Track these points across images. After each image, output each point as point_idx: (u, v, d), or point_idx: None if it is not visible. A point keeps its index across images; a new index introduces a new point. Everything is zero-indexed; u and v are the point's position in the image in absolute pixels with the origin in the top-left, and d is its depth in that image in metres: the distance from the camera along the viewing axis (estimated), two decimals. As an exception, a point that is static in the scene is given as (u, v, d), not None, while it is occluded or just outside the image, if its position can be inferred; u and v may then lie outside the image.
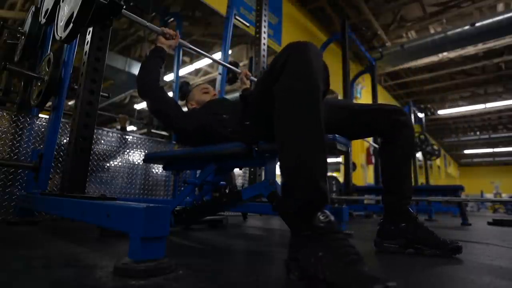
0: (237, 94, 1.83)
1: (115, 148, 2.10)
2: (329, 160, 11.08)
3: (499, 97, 8.87)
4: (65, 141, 1.81)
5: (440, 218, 3.94)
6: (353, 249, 0.57)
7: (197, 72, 7.23)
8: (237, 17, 2.63)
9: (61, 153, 1.79)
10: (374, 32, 5.79)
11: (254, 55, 2.34)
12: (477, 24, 5.03)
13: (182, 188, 2.28)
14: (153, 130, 3.92)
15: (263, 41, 2.28)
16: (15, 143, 1.61)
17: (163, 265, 0.62)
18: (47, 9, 1.29)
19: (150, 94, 1.25)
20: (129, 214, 0.65)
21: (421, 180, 6.16)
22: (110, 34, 1.29)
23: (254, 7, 2.45)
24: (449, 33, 5.34)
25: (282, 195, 0.68)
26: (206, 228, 1.65)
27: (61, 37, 1.07)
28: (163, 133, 3.73)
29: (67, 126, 1.80)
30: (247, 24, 2.87)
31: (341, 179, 4.26)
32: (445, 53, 6.30)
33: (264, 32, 2.31)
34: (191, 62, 6.38)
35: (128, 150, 2.18)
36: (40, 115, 1.74)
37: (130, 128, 7.94)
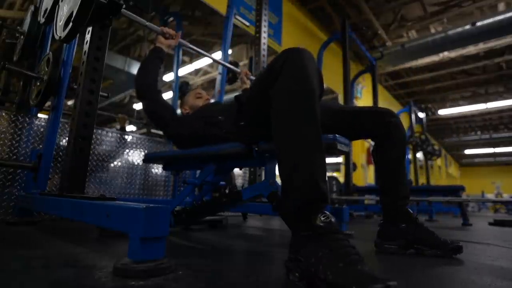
0: (236, 94, 1.83)
1: (114, 148, 2.10)
2: (330, 160, 11.08)
3: (500, 97, 8.86)
4: (64, 141, 1.80)
5: (441, 218, 3.93)
6: (354, 249, 0.57)
7: (197, 72, 7.23)
8: (237, 16, 2.63)
9: (60, 153, 1.78)
10: (374, 31, 5.79)
11: (254, 54, 2.33)
12: (478, 24, 5.02)
13: (182, 188, 2.28)
14: (152, 130, 3.92)
15: (263, 40, 2.28)
16: (14, 143, 1.61)
17: (162, 266, 0.62)
18: (46, 9, 1.29)
19: (147, 96, 1.27)
20: (129, 214, 0.65)
21: (422, 180, 6.15)
22: (109, 34, 1.28)
23: (254, 6, 2.45)
24: (450, 32, 5.33)
25: (282, 196, 0.69)
26: (206, 228, 1.64)
27: (60, 36, 1.07)
28: (162, 133, 3.72)
29: (67, 126, 1.79)
30: (247, 24, 2.87)
31: (341, 179, 4.26)
32: (446, 53, 6.29)
33: (264, 32, 2.30)
34: (191, 61, 6.38)
35: (127, 150, 2.17)
36: (39, 115, 1.74)
37: (129, 128, 7.94)
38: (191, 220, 1.36)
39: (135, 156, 2.21)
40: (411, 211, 1.05)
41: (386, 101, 7.66)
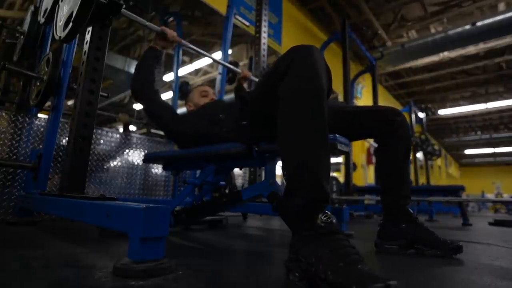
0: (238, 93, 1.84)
1: (114, 148, 2.10)
2: (330, 160, 11.05)
3: (500, 97, 8.86)
4: (64, 141, 1.80)
5: (441, 218, 3.93)
6: (354, 249, 0.57)
7: (197, 72, 7.23)
8: (237, 16, 2.63)
9: (60, 153, 1.78)
10: (374, 31, 5.79)
11: (254, 54, 2.33)
12: (478, 24, 5.02)
13: (182, 188, 2.28)
14: (152, 130, 3.92)
15: (263, 40, 2.27)
16: (14, 143, 1.61)
17: (162, 266, 0.62)
18: (46, 9, 1.29)
19: (143, 96, 1.26)
20: (129, 214, 0.65)
21: (422, 180, 6.15)
22: (109, 34, 1.28)
23: (254, 6, 2.45)
24: (450, 32, 5.33)
25: (284, 195, 0.68)
26: (206, 228, 1.64)
27: (60, 36, 1.07)
28: (163, 133, 3.72)
29: (66, 126, 1.79)
30: (247, 24, 2.87)
31: (341, 179, 4.26)
32: (446, 53, 6.29)
33: (264, 32, 2.30)
34: (191, 61, 6.38)
35: (127, 150, 2.17)
36: (39, 115, 1.73)
37: (129, 128, 7.93)
38: (191, 220, 1.36)
39: (135, 156, 2.21)
40: (411, 211, 1.05)
41: (386, 101, 7.66)
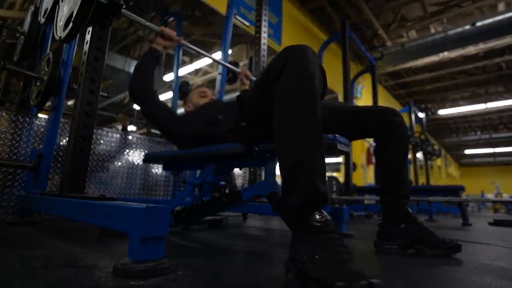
0: (236, 95, 1.84)
1: (114, 148, 2.10)
2: (330, 160, 11.07)
3: (500, 97, 8.86)
4: (64, 141, 1.80)
5: (440, 218, 3.93)
6: (346, 248, 0.58)
7: (197, 72, 7.23)
8: (237, 16, 2.63)
9: (61, 153, 1.78)
10: (374, 31, 5.79)
11: (254, 54, 2.33)
12: (478, 24, 5.02)
13: (182, 188, 2.28)
14: (152, 130, 3.92)
15: (263, 40, 2.28)
16: (14, 143, 1.61)
17: (162, 266, 0.62)
18: (47, 9, 1.29)
19: (141, 96, 1.26)
20: (129, 214, 0.65)
21: (422, 180, 6.15)
22: (109, 34, 1.28)
23: (254, 6, 2.45)
24: (450, 32, 5.34)
25: (281, 195, 0.69)
26: (206, 228, 1.64)
27: (60, 36, 1.07)
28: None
29: (67, 126, 1.79)
30: (247, 24, 2.87)
31: (341, 179, 4.26)
32: (445, 53, 6.29)
33: (264, 32, 2.30)
34: (191, 61, 6.38)
35: (127, 150, 2.17)
36: (40, 115, 1.73)
37: (129, 128, 7.93)
38: (191, 220, 1.36)
39: (135, 156, 2.21)
40: (411, 211, 1.05)
41: (386, 101, 7.66)
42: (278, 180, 0.80)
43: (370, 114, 1.11)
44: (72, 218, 0.96)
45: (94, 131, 1.25)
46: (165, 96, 6.98)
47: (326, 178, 0.68)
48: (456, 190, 2.94)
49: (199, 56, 5.66)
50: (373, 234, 1.12)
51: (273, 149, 0.96)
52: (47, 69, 1.46)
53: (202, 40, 5.55)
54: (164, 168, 1.45)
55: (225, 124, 1.13)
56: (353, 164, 3.93)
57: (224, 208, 1.29)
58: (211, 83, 7.43)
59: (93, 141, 1.93)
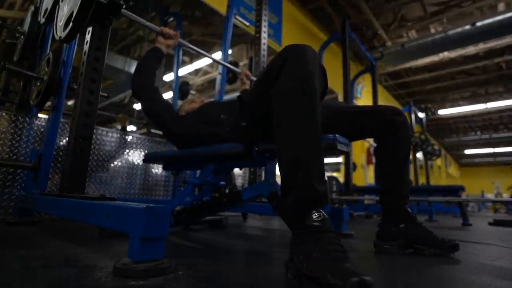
0: (236, 95, 1.84)
1: (114, 148, 2.10)
2: (330, 160, 11.07)
3: (500, 97, 8.86)
4: (64, 141, 1.80)
5: (440, 218, 3.93)
6: (341, 247, 0.58)
7: (197, 72, 7.23)
8: (237, 16, 2.63)
9: (61, 153, 1.78)
10: (374, 31, 5.79)
11: (254, 54, 2.33)
12: (478, 24, 5.03)
13: (182, 188, 2.28)
14: (152, 130, 3.92)
15: (263, 40, 2.28)
16: (14, 143, 1.61)
17: (162, 266, 0.62)
18: (47, 9, 1.29)
19: (143, 94, 1.25)
20: (129, 214, 0.65)
21: (422, 180, 6.15)
22: (109, 34, 1.28)
23: (254, 6, 2.45)
24: (450, 32, 5.34)
25: (281, 195, 0.70)
26: (206, 228, 1.64)
27: (60, 36, 1.07)
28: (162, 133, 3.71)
29: (67, 126, 1.79)
30: (247, 24, 2.87)
31: (341, 179, 4.26)
32: (445, 53, 6.30)
33: (264, 32, 2.30)
34: (191, 61, 6.38)
35: (127, 150, 2.17)
36: (40, 115, 1.73)
37: (129, 128, 7.93)
38: (191, 220, 1.36)
39: (135, 156, 2.21)
40: (410, 211, 1.05)
41: (386, 101, 7.66)
42: (278, 180, 0.80)
43: (371, 114, 1.10)
44: (72, 218, 0.96)
45: (94, 131, 1.25)
46: (165, 96, 6.97)
47: (326, 178, 0.68)
48: (456, 190, 2.94)
49: (199, 56, 5.66)
50: (373, 234, 1.11)
51: (273, 149, 0.96)
52: (47, 69, 1.46)
53: (202, 40, 5.55)
54: (164, 168, 1.45)
55: (227, 123, 1.12)
56: (353, 164, 3.93)
57: (224, 208, 1.29)
58: (211, 83, 7.44)
59: (93, 141, 1.93)
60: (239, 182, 2.86)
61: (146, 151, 2.26)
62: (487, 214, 7.21)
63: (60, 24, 1.08)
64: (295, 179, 0.64)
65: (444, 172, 13.27)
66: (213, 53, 5.48)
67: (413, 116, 5.67)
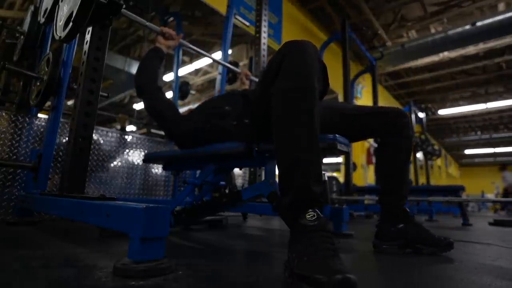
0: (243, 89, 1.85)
1: (114, 148, 2.10)
2: (330, 160, 11.06)
3: (500, 97, 8.86)
4: (64, 141, 1.80)
5: (441, 218, 3.93)
6: (332, 245, 0.58)
7: (197, 72, 7.23)
8: (237, 16, 2.63)
9: (61, 153, 1.78)
10: (374, 31, 5.79)
11: (254, 54, 2.33)
12: (478, 24, 5.03)
13: (182, 188, 2.28)
14: (152, 130, 3.92)
15: (263, 40, 2.28)
16: (14, 143, 1.61)
17: (162, 266, 0.62)
18: (46, 9, 1.29)
19: (147, 92, 1.26)
20: (129, 214, 0.65)
21: (422, 180, 6.15)
22: (109, 34, 1.28)
23: (254, 6, 2.45)
24: (450, 32, 5.34)
25: (280, 194, 0.70)
26: (206, 229, 1.64)
27: (60, 36, 1.07)
28: (163, 133, 3.71)
29: (66, 126, 1.79)
30: (247, 24, 2.87)
31: (341, 179, 4.26)
32: (445, 53, 6.29)
33: (264, 32, 2.30)
34: (191, 61, 6.38)
35: (127, 150, 2.17)
36: (39, 115, 1.73)
37: (129, 128, 7.93)
38: (191, 220, 1.36)
39: (135, 156, 2.21)
40: (409, 211, 1.05)
41: (386, 101, 7.66)
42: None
43: (374, 115, 1.09)
44: (72, 218, 0.96)
45: (94, 131, 1.25)
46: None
47: (326, 178, 0.69)
48: (456, 190, 2.94)
49: (199, 56, 5.66)
50: (373, 234, 1.11)
51: (272, 149, 0.96)
52: (47, 69, 1.46)
53: (202, 40, 5.55)
54: (164, 168, 1.45)
55: (233, 117, 1.10)
56: (353, 164, 3.93)
57: (224, 208, 1.29)
58: (211, 83, 7.44)
59: (93, 141, 1.93)
60: (239, 182, 2.86)
61: (146, 151, 2.26)
62: (487, 214, 7.21)
63: (60, 24, 1.08)
64: (292, 179, 0.65)
65: (444, 172, 13.26)
66: (213, 53, 5.48)
67: (413, 116, 5.67)
